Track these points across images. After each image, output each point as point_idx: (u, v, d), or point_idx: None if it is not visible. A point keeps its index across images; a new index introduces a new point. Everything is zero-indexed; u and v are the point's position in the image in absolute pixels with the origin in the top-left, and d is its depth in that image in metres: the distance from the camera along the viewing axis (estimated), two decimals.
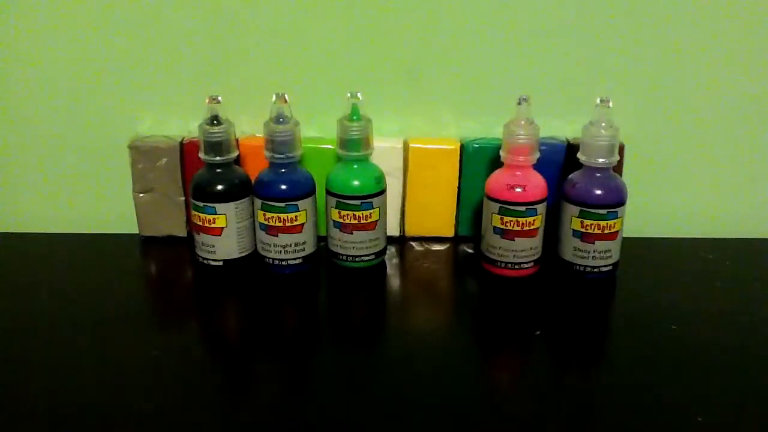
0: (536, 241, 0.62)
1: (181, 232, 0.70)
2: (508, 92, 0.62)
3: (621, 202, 0.60)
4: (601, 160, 0.59)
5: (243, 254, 0.63)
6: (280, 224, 0.60)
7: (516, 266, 0.62)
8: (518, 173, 0.61)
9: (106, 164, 0.71)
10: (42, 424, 0.46)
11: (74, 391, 0.49)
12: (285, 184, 0.60)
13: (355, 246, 0.62)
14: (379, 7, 0.66)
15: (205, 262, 0.63)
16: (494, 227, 0.61)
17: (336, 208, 0.61)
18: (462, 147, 0.67)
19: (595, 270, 0.61)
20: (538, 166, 0.61)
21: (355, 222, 0.61)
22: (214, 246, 0.62)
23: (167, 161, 0.67)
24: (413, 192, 0.68)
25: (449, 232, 0.70)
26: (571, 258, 0.61)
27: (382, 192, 0.62)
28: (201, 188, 0.61)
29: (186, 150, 0.67)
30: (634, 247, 0.65)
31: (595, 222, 0.59)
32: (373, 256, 0.63)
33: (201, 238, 0.62)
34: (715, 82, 0.68)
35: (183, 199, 0.69)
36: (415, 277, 0.65)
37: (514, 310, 0.60)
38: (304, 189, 0.61)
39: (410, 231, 0.70)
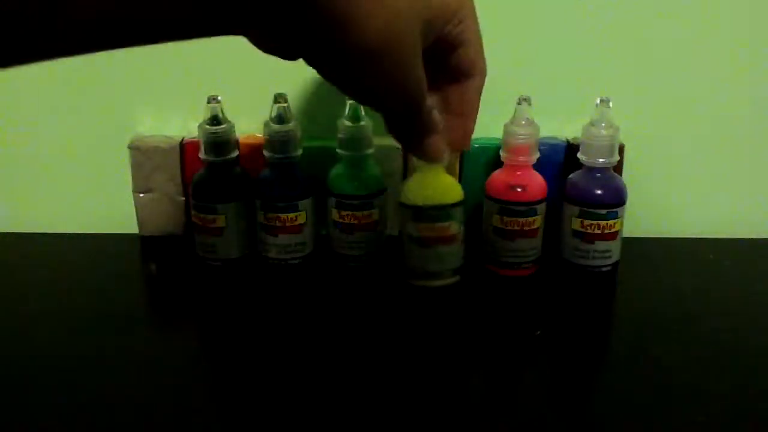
0: (536, 241, 0.62)
1: (181, 232, 0.70)
2: (508, 92, 0.61)
3: (621, 202, 0.60)
4: (601, 160, 0.59)
5: (243, 254, 0.63)
6: (280, 224, 0.60)
7: (516, 266, 0.62)
8: (518, 173, 0.61)
9: (106, 164, 0.71)
10: (42, 423, 0.46)
11: (74, 391, 0.49)
12: (285, 184, 0.60)
13: (355, 246, 0.62)
14: None
15: (205, 262, 0.63)
16: (494, 227, 0.61)
17: (336, 208, 0.61)
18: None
19: (595, 270, 0.61)
20: (538, 166, 0.61)
21: (355, 222, 0.61)
22: (214, 246, 0.62)
23: (167, 161, 0.67)
24: None
25: None
26: (571, 258, 0.61)
27: (382, 192, 0.62)
28: (201, 188, 0.61)
29: (186, 150, 0.67)
30: (634, 247, 0.65)
31: (595, 222, 0.59)
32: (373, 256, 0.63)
33: (201, 238, 0.62)
34: (716, 82, 0.68)
35: (183, 199, 0.69)
36: None
37: (514, 310, 0.60)
38: (304, 189, 0.61)
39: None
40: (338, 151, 0.62)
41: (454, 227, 0.58)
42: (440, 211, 0.58)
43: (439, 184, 0.58)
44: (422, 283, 0.60)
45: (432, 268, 0.59)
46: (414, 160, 0.61)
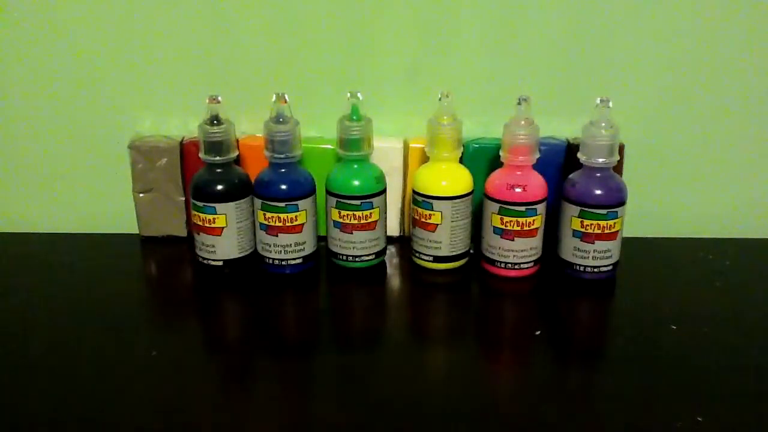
0: (536, 241, 0.62)
1: (181, 232, 0.70)
2: (508, 92, 0.62)
3: (621, 202, 0.60)
4: (601, 160, 0.59)
5: (243, 254, 0.63)
6: (280, 224, 0.60)
7: (516, 266, 0.62)
8: (518, 173, 0.61)
9: (106, 164, 0.71)
10: (42, 424, 0.46)
11: (74, 391, 0.49)
12: (285, 184, 0.60)
13: (355, 246, 0.62)
14: (379, 6, 0.66)
15: (205, 262, 0.63)
16: (494, 227, 0.61)
17: (336, 208, 0.61)
18: (462, 147, 0.67)
19: (595, 270, 0.61)
20: (538, 166, 0.61)
21: (355, 222, 0.61)
22: (214, 246, 0.62)
23: (167, 161, 0.67)
24: None
25: None
26: (571, 258, 0.61)
27: (382, 192, 0.62)
28: (201, 188, 0.61)
29: (186, 150, 0.67)
30: (634, 247, 0.65)
31: (595, 222, 0.59)
32: (373, 256, 0.63)
33: (201, 238, 0.62)
34: (715, 81, 0.68)
35: (183, 199, 0.69)
36: (414, 277, 0.65)
37: (514, 310, 0.60)
38: (304, 189, 0.61)
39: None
40: (338, 151, 0.62)
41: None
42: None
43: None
44: None
45: None
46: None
